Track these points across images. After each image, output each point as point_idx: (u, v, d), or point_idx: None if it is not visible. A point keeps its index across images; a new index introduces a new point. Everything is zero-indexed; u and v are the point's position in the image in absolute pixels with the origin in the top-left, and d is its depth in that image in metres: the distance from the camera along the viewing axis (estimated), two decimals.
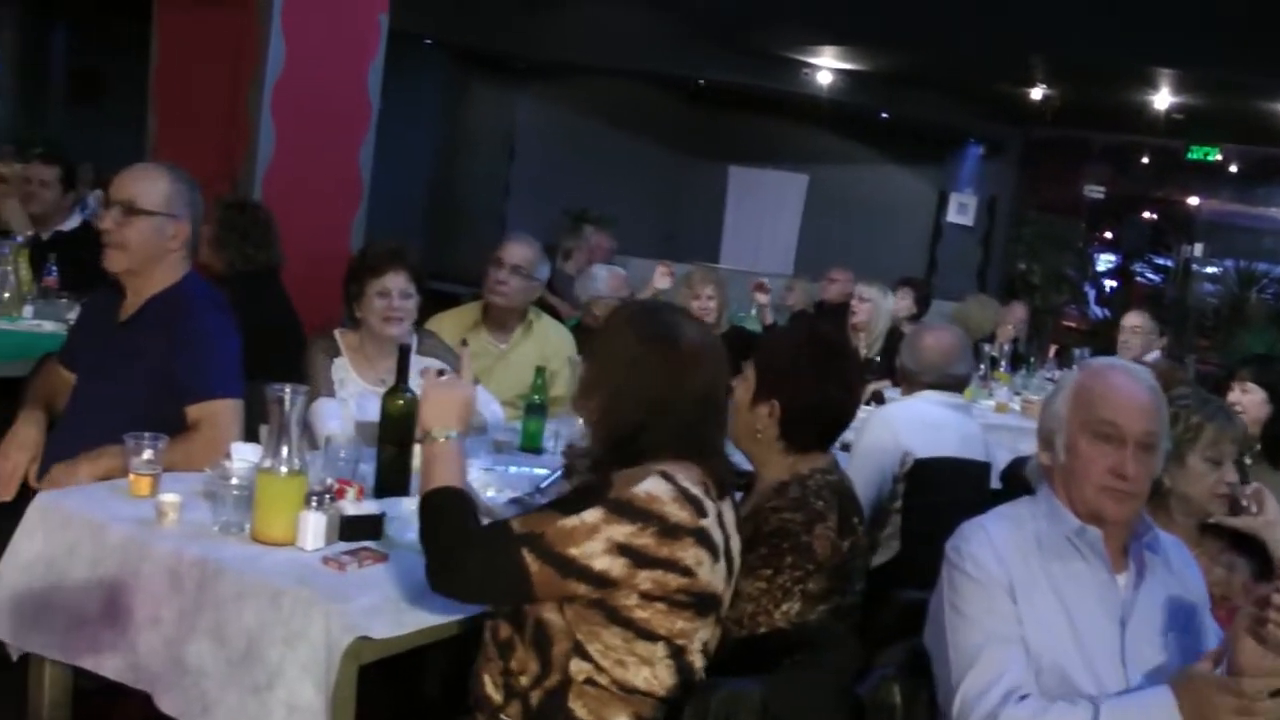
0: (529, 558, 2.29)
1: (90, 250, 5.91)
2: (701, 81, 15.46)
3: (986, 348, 7.13)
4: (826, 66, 14.91)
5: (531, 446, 3.86)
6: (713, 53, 14.36)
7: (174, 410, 3.30)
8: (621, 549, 2.30)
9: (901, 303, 7.78)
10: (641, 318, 2.57)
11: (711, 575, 2.40)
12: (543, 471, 3.40)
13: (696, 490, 2.39)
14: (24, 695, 2.86)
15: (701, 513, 2.38)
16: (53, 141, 13.83)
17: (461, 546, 2.33)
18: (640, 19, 13.85)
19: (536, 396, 3.93)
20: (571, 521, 2.31)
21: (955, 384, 4.44)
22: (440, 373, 2.77)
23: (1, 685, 3.05)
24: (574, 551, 2.29)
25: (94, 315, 3.66)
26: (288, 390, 2.59)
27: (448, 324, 4.83)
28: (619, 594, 2.32)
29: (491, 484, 3.18)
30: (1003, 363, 7.12)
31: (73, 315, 5.11)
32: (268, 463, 2.60)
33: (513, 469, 3.44)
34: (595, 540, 2.29)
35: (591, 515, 2.31)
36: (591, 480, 2.48)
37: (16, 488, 3.32)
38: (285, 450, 2.59)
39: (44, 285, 5.30)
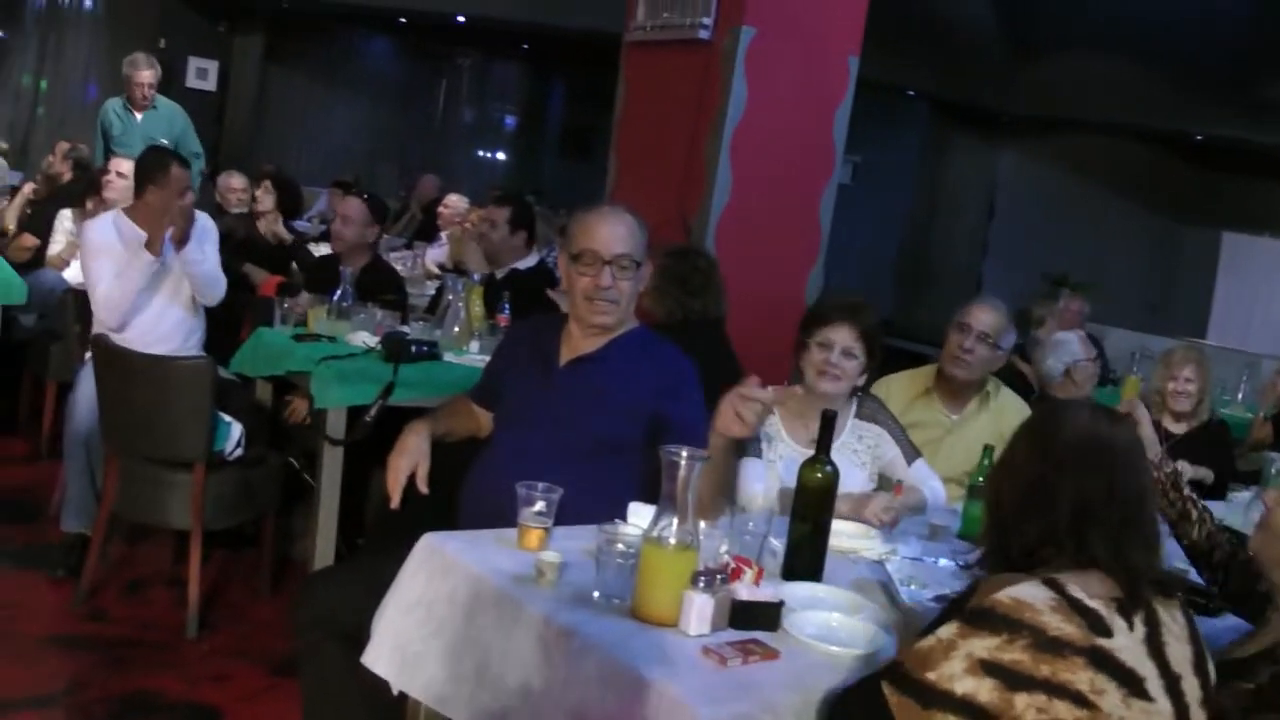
0: (888, 689, 1.97)
1: (542, 291, 6.04)
2: (1199, 137, 14.34)
3: None
4: None
5: (971, 533, 3.43)
6: (1211, 106, 13.32)
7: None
8: (987, 667, 1.91)
9: None
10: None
11: (1126, 711, 1.94)
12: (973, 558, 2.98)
13: (1094, 604, 1.96)
14: None
15: (1100, 630, 1.94)
16: (541, 191, 14.53)
17: None
18: (1133, 71, 13.03)
19: (981, 478, 3.50)
20: (929, 641, 1.97)
21: None
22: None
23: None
24: (932, 676, 1.93)
25: (522, 357, 3.54)
26: (684, 454, 2.33)
27: (897, 388, 4.48)
28: None
29: (915, 578, 2.79)
30: None
31: None
32: (655, 532, 2.33)
33: (942, 562, 3.02)
34: (954, 659, 1.93)
35: (947, 630, 1.96)
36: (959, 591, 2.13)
37: (400, 493, 3.23)
38: (676, 520, 2.32)
39: (494, 322, 5.33)
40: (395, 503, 3.23)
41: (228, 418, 4.55)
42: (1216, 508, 4.29)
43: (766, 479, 3.41)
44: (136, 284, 4.90)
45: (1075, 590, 1.97)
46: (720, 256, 4.99)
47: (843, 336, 3.63)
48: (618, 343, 3.36)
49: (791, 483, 3.49)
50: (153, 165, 5.17)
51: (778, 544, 2.77)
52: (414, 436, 3.30)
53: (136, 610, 4.68)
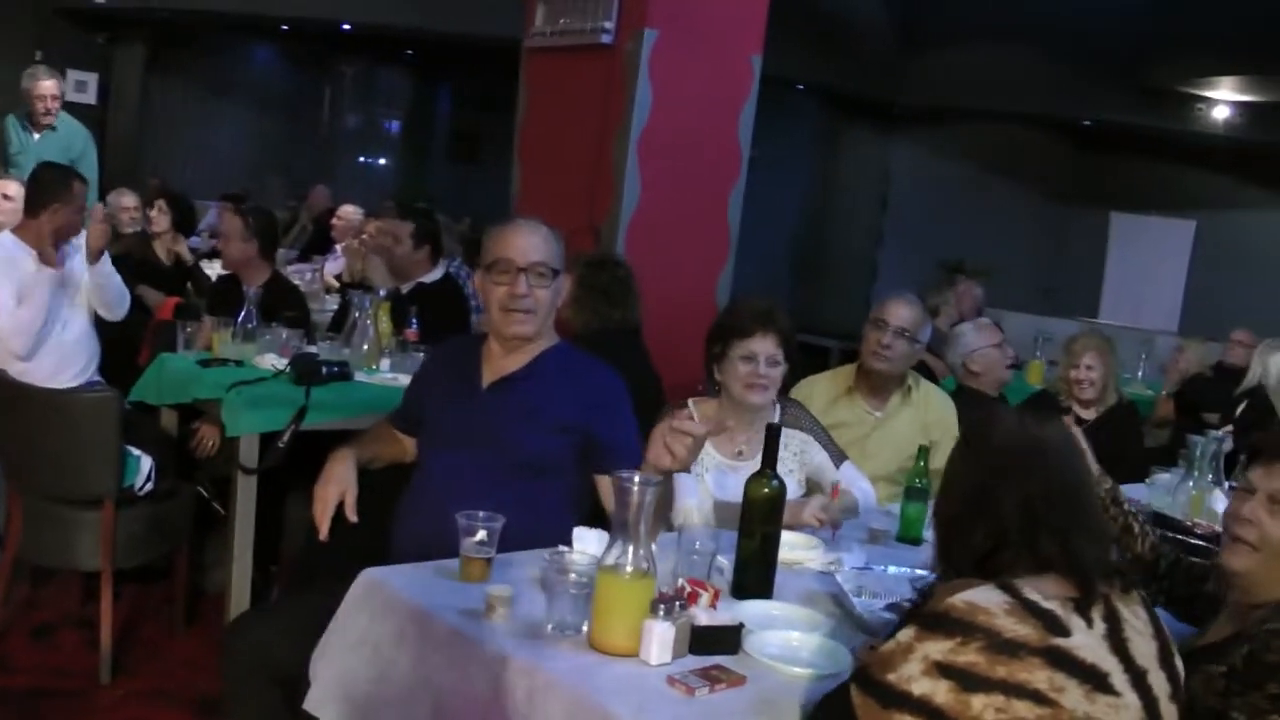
0: (854, 690, 1.97)
1: (450, 304, 5.93)
2: (1088, 123, 14.57)
3: None
4: (1224, 100, 13.78)
5: (911, 536, 3.41)
6: (1097, 91, 13.54)
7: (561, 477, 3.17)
8: (942, 669, 1.89)
9: None
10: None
11: (1090, 707, 1.92)
12: (924, 572, 2.95)
13: (1050, 605, 1.95)
14: None
15: (1058, 630, 1.93)
16: (431, 198, 14.39)
17: None
18: (1021, 59, 13.22)
19: (919, 480, 3.47)
20: (889, 645, 1.96)
21: None
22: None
23: None
24: (891, 677, 1.92)
25: (442, 379, 3.45)
26: (636, 479, 2.26)
27: (819, 390, 4.47)
28: None
29: (866, 587, 2.76)
30: None
31: None
32: (611, 560, 2.27)
33: (891, 569, 2.99)
34: (911, 661, 1.91)
35: (906, 634, 1.95)
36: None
37: (329, 523, 3.15)
38: (631, 546, 2.25)
39: (403, 338, 5.22)
40: (324, 534, 3.14)
41: (136, 451, 4.40)
42: (1136, 490, 4.35)
43: (698, 493, 3.37)
44: (43, 305, 4.77)
45: (1030, 593, 1.96)
46: (630, 262, 4.94)
47: (766, 346, 3.59)
48: (541, 360, 3.30)
49: (720, 495, 3.47)
50: (54, 182, 5.03)
51: (724, 561, 2.71)
52: (340, 464, 3.21)
53: (45, 657, 4.50)
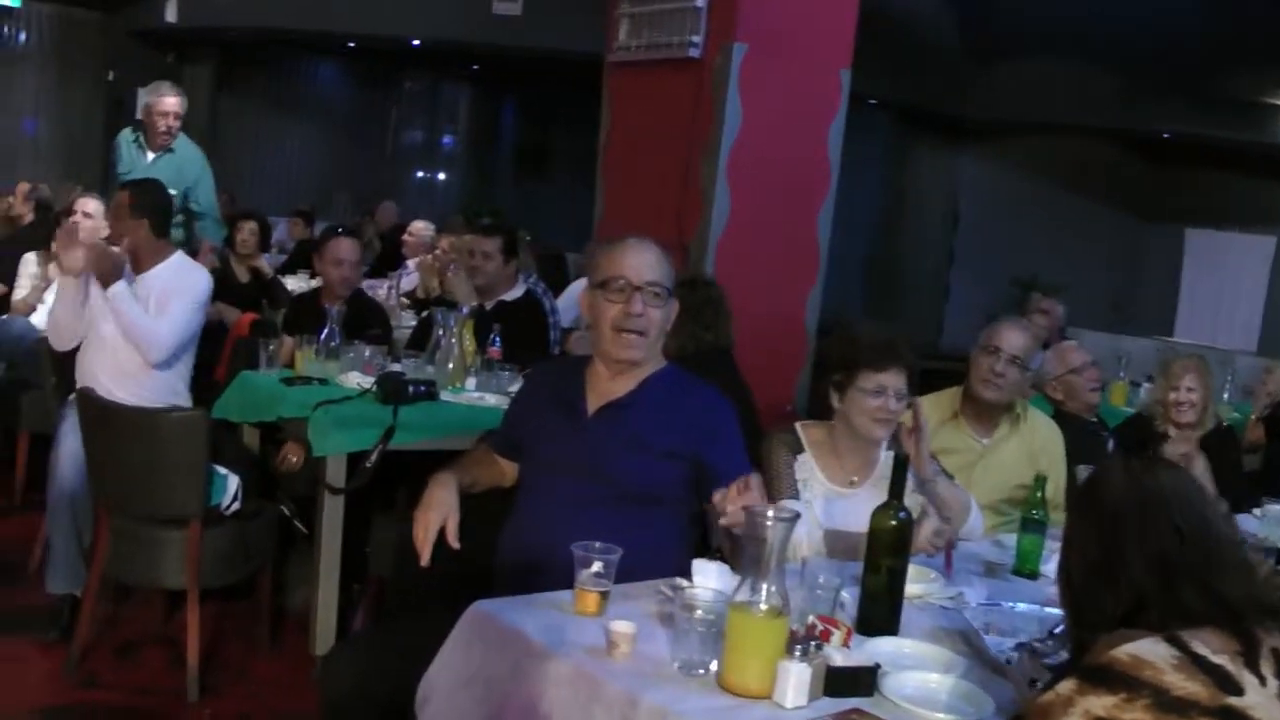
0: None
1: (532, 321, 5.86)
2: (1159, 135, 14.31)
3: None
4: None
5: (1027, 569, 3.28)
6: (1169, 103, 13.31)
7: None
8: None
9: None
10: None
11: None
12: (1053, 610, 2.82)
13: (1219, 659, 1.82)
14: None
15: (1230, 689, 1.80)
16: (498, 213, 14.36)
17: None
18: (1091, 71, 13.00)
19: (1035, 511, 3.33)
20: (1048, 695, 1.84)
21: None
22: None
23: None
24: None
25: (545, 404, 3.36)
26: (770, 513, 2.16)
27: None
28: None
29: (994, 624, 2.64)
30: None
31: (515, 388, 4.94)
32: (742, 597, 2.17)
33: (1020, 606, 2.87)
34: (1071, 715, 1.80)
35: (1066, 686, 1.83)
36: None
37: (430, 549, 3.03)
38: (764, 584, 2.15)
39: (487, 357, 5.14)
40: (425, 559, 3.04)
41: (223, 470, 4.34)
42: (1247, 522, 4.20)
43: (807, 522, 3.26)
44: (71, 310, 4.71)
45: (1198, 647, 1.84)
46: (720, 281, 4.85)
47: (896, 381, 3.45)
48: (649, 384, 3.20)
49: (828, 523, 3.36)
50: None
51: (848, 596, 2.60)
52: (441, 489, 3.11)
53: (131, 674, 4.46)
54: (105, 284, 4.61)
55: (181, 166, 7.07)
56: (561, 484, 3.12)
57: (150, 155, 7.02)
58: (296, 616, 4.86)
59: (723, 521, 2.73)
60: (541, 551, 2.97)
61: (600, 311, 3.16)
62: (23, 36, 13.79)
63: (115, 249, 4.71)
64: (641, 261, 3.15)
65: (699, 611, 2.25)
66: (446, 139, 17.28)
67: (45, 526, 5.01)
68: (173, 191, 6.59)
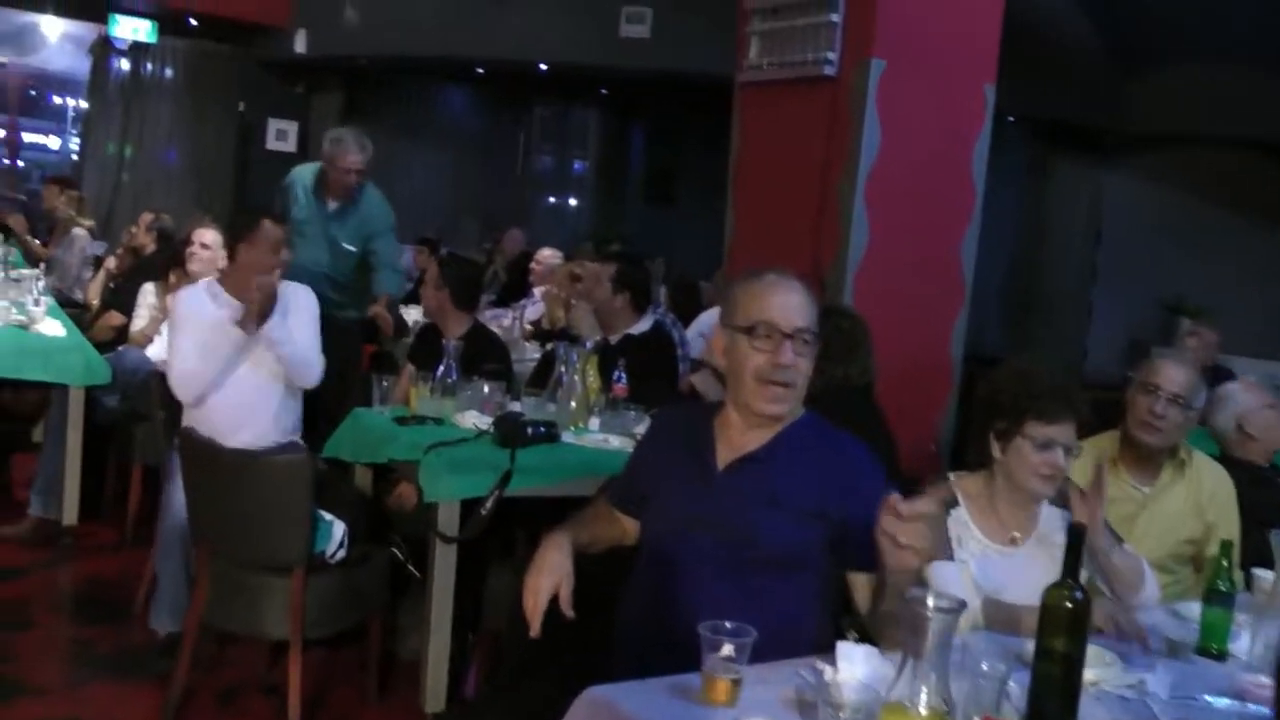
0: None
1: (660, 356, 5.57)
2: None
3: None
4: None
5: (1214, 648, 2.87)
6: None
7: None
8: None
9: None
10: None
11: None
12: (1260, 709, 2.41)
13: None
14: None
15: None
16: (623, 240, 14.14)
17: None
18: (1249, 80, 12.32)
19: (1220, 582, 2.90)
20: None
21: None
22: None
23: None
24: None
25: (670, 455, 3.05)
26: (931, 602, 1.83)
27: (1078, 461, 3.94)
28: None
29: None
30: None
31: (641, 429, 4.66)
32: (899, 694, 1.84)
33: (1218, 702, 2.47)
34: None
35: None
36: None
37: (541, 618, 2.75)
38: (924, 682, 1.82)
39: (612, 395, 4.85)
40: (535, 630, 2.75)
41: (329, 516, 4.11)
42: None
43: (963, 586, 2.92)
44: (220, 361, 4.55)
45: None
46: (858, 311, 4.50)
47: (1067, 434, 3.11)
48: (787, 435, 2.87)
49: (987, 586, 3.01)
50: (242, 224, 4.78)
51: (1016, 686, 2.25)
52: (554, 551, 2.82)
53: None
54: (261, 322, 4.54)
55: (365, 219, 6.57)
56: (687, 546, 2.82)
57: (331, 204, 6.48)
58: (407, 666, 4.62)
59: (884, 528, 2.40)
60: (665, 623, 2.69)
61: (742, 358, 2.83)
62: (158, 70, 13.95)
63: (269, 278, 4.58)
64: (790, 304, 2.83)
65: (846, 712, 1.93)
66: (575, 164, 17.12)
67: (153, 562, 4.90)
68: (351, 248, 6.43)
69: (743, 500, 2.79)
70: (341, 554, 4.13)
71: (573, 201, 17.15)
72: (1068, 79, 12.92)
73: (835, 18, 4.83)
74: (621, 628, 2.90)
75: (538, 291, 8.85)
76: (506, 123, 16.27)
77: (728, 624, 2.25)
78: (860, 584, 2.73)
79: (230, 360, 4.58)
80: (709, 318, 7.51)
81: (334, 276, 6.41)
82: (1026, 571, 2.93)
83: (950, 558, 3.03)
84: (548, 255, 9.41)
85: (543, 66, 12.76)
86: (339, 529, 4.12)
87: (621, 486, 3.14)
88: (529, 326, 8.02)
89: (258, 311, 4.49)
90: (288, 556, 3.98)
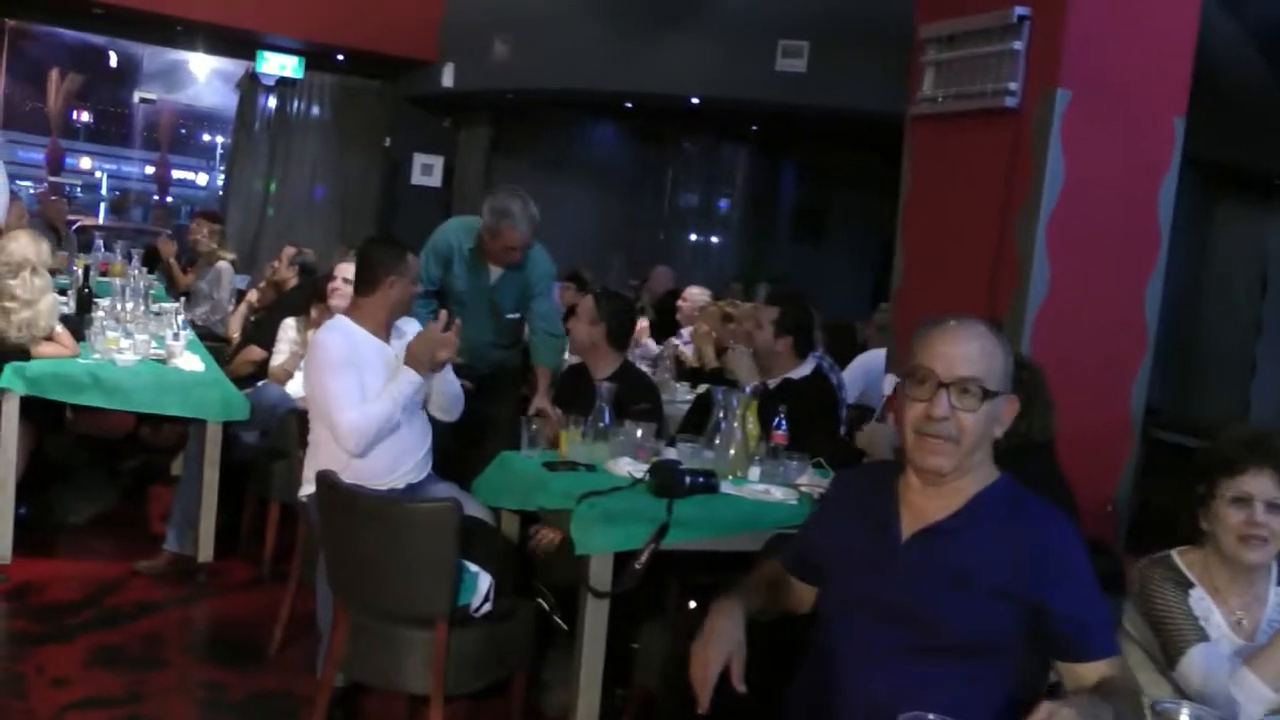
0: None
1: (821, 402, 5.29)
2: None
3: None
4: None
5: None
6: None
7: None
8: None
9: None
10: None
11: None
12: None
13: None
14: None
15: None
16: (776, 278, 13.88)
17: None
18: None
19: None
20: None
21: None
22: None
23: None
24: None
25: (849, 522, 2.79)
26: (1185, 713, 1.54)
27: None
28: None
29: None
30: None
31: (804, 480, 4.39)
32: None
33: None
34: None
35: None
36: None
37: (710, 693, 2.51)
38: None
39: (772, 442, 4.58)
40: (704, 705, 2.51)
41: (474, 567, 3.90)
42: None
43: (1244, 680, 2.61)
44: (397, 407, 4.42)
45: None
46: (1038, 362, 4.17)
47: (1262, 486, 2.80)
48: (976, 504, 2.59)
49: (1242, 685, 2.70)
50: (387, 257, 4.61)
51: None
52: (725, 620, 2.57)
53: None
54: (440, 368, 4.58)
55: (529, 281, 6.09)
56: (866, 627, 2.56)
57: (493, 273, 6.00)
58: None
59: None
60: (839, 707, 2.45)
61: (901, 408, 2.61)
62: (304, 106, 14.09)
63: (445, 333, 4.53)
64: (956, 352, 2.56)
65: None
66: (723, 201, 16.92)
67: (287, 605, 4.86)
68: (515, 315, 6.14)
69: (928, 579, 2.52)
70: (488, 608, 3.92)
71: (718, 239, 16.95)
72: (1236, 117, 12.36)
73: (1018, 45, 4.52)
74: (794, 709, 2.64)
75: (685, 331, 8.63)
76: (653, 158, 16.15)
77: (930, 715, 1.99)
78: (1074, 674, 2.45)
79: (410, 402, 4.48)
80: (867, 360, 7.22)
81: (499, 341, 6.16)
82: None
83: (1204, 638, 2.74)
84: (695, 293, 9.19)
85: (694, 100, 12.56)
86: (485, 581, 3.91)
87: (798, 551, 2.89)
88: (676, 363, 7.80)
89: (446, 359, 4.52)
90: (431, 609, 3.78)
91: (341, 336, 4.51)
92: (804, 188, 16.44)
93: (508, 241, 5.81)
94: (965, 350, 2.56)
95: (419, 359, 4.45)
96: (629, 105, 14.14)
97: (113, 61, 16.12)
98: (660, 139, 15.91)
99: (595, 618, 3.94)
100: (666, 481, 4.00)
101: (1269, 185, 13.52)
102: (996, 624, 2.48)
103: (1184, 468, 3.78)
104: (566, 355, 6.16)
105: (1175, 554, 2.95)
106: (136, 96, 15.95)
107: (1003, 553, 2.50)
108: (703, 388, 6.80)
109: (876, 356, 7.24)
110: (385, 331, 4.60)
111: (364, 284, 4.61)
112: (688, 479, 4.05)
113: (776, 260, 15.85)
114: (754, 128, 15.44)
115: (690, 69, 11.69)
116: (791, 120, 13.68)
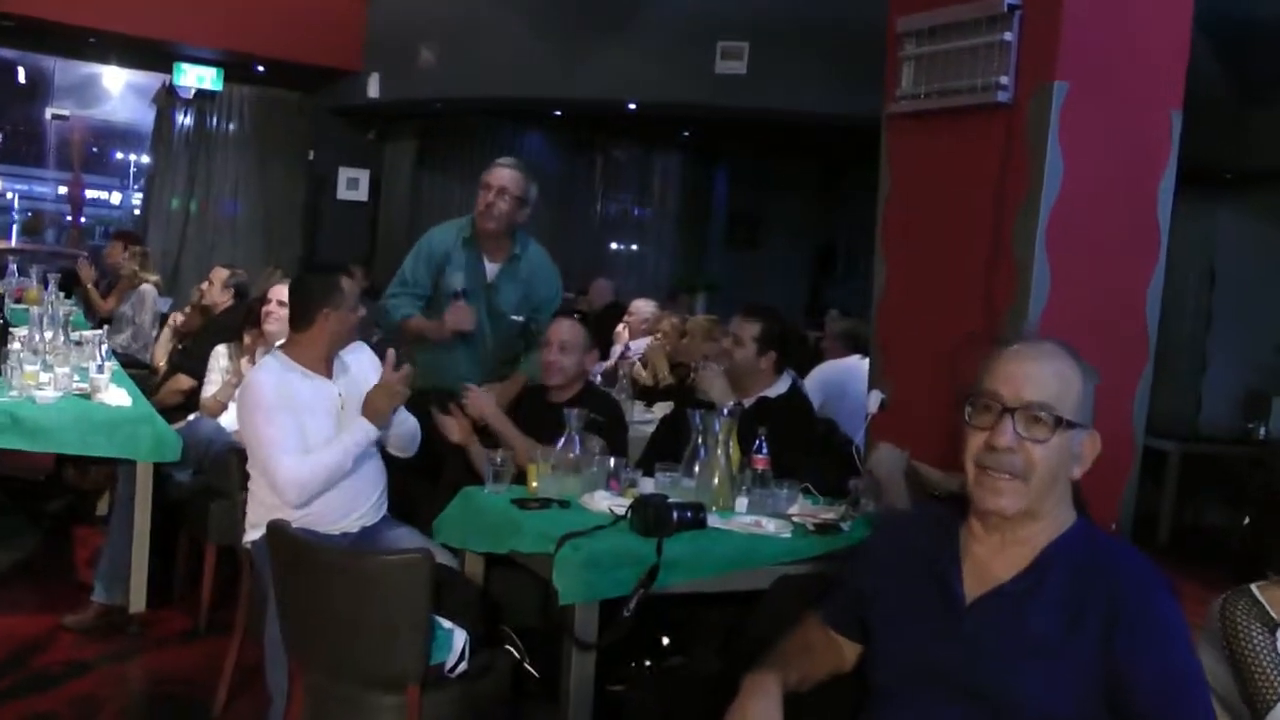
0: None
1: (800, 422, 4.95)
2: None
3: None
4: None
5: None
6: None
7: None
8: None
9: None
10: None
11: None
12: None
13: None
14: None
15: None
16: (711, 284, 13.58)
17: None
18: None
19: None
20: None
21: None
22: None
23: None
24: None
25: (904, 577, 2.43)
26: None
27: None
28: None
29: None
30: None
31: (795, 510, 4.06)
32: None
33: None
34: None
35: None
36: None
37: None
38: None
39: (753, 467, 4.24)
40: None
41: (447, 624, 3.52)
42: None
43: None
44: (348, 458, 4.10)
45: None
46: None
47: None
48: (1049, 557, 2.26)
49: None
50: (319, 289, 4.26)
51: None
52: (759, 700, 2.23)
53: None
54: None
55: (531, 282, 5.70)
56: (927, 698, 2.22)
57: (490, 270, 5.58)
58: None
59: None
60: None
61: (962, 439, 2.28)
62: (224, 120, 13.59)
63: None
64: (1025, 372, 2.25)
65: None
66: (654, 209, 16.61)
67: (231, 659, 4.53)
68: (518, 317, 5.62)
69: (995, 649, 2.19)
70: (463, 666, 3.54)
71: (652, 247, 16.65)
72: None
73: (1009, 36, 4.21)
74: None
75: (635, 345, 8.27)
76: (583, 167, 15.84)
77: None
78: None
79: (358, 450, 4.15)
80: (825, 372, 6.93)
81: (497, 352, 5.63)
82: None
83: None
84: (642, 306, 8.85)
85: (631, 106, 12.22)
86: (459, 638, 3.53)
87: (838, 605, 2.54)
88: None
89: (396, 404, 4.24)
90: (402, 670, 3.40)
91: (273, 377, 4.16)
92: (737, 193, 16.22)
93: (489, 181, 5.48)
94: (1036, 371, 2.25)
95: (379, 412, 4.12)
96: (558, 113, 13.80)
97: (21, 77, 15.44)
98: (591, 147, 15.60)
99: (581, 671, 3.59)
100: (653, 519, 3.66)
101: (1217, 178, 13.39)
102: (1073, 694, 2.15)
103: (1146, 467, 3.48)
104: None
105: (1255, 589, 2.65)
106: (48, 113, 15.28)
107: (1081, 611, 2.17)
108: (659, 407, 6.47)
109: (834, 368, 6.96)
110: (326, 366, 4.25)
111: (298, 319, 4.28)
112: (675, 514, 3.70)
113: (712, 267, 15.60)
114: (685, 133, 15.18)
115: (626, 74, 11.38)
116: (726, 125, 13.43)
